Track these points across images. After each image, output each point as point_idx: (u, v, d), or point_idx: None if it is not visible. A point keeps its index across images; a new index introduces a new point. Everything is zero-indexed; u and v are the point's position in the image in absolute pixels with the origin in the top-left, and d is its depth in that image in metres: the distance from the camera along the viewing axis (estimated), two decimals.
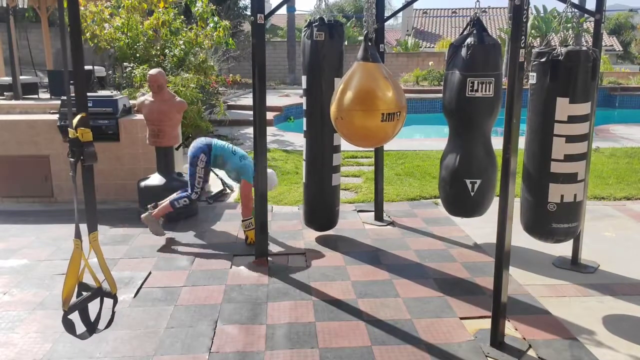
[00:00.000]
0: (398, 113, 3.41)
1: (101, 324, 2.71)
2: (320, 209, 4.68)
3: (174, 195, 4.80)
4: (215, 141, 4.83)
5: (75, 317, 2.60)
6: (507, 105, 2.87)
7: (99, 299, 2.66)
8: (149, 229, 4.73)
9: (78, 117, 2.44)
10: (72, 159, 2.46)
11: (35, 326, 3.31)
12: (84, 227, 2.52)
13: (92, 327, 2.66)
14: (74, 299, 2.56)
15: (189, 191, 4.74)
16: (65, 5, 2.42)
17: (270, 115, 11.95)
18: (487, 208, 4.46)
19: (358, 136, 3.58)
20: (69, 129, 2.46)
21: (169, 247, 4.65)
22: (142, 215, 4.74)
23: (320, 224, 4.80)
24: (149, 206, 4.81)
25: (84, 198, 2.52)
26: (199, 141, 4.79)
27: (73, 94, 2.51)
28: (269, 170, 4.80)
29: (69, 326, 2.55)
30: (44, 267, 4.20)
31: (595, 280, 3.97)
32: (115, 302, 2.73)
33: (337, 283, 3.93)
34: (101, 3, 10.51)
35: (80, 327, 2.64)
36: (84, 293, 2.61)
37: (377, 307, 3.55)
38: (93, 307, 2.68)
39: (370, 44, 3.51)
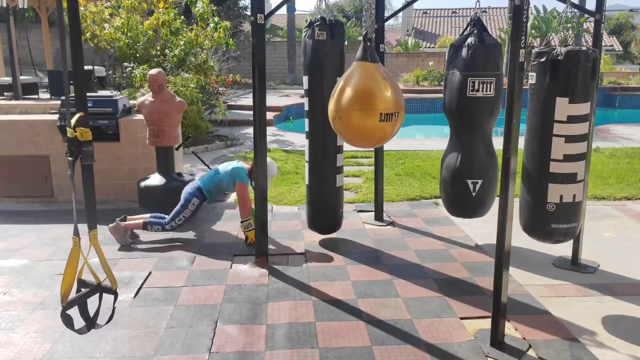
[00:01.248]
0: (396, 113, 3.41)
1: (101, 320, 2.71)
2: (324, 211, 4.63)
3: (150, 218, 4.75)
4: (201, 180, 4.84)
5: (75, 313, 2.60)
6: (507, 105, 2.87)
7: (98, 295, 2.67)
8: (116, 239, 4.66)
9: (76, 116, 2.45)
10: (70, 158, 2.47)
11: (35, 326, 3.31)
12: (82, 226, 2.52)
13: (91, 322, 2.67)
14: (72, 295, 2.57)
15: (166, 222, 4.72)
16: (65, 5, 2.42)
17: (270, 115, 11.95)
18: (489, 208, 4.45)
19: (356, 136, 3.57)
20: (67, 128, 2.46)
21: (169, 247, 4.65)
22: (110, 226, 4.65)
23: (323, 227, 4.74)
24: (117, 219, 4.71)
25: (83, 197, 2.53)
26: (191, 186, 4.81)
27: (72, 94, 2.51)
28: (268, 160, 4.80)
29: (67, 321, 2.57)
30: (44, 267, 4.20)
31: (595, 280, 3.97)
32: (116, 297, 2.74)
33: (337, 283, 3.93)
34: (101, 3, 10.52)
35: (79, 323, 2.65)
36: (83, 289, 2.62)
37: (377, 307, 3.55)
38: (93, 304, 2.68)
39: (369, 44, 3.51)
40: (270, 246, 4.57)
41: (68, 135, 2.45)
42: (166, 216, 4.78)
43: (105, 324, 2.74)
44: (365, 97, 3.38)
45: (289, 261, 4.36)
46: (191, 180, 5.06)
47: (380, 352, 3.02)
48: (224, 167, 4.86)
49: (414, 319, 3.39)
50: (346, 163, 7.95)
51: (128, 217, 4.78)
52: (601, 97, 16.26)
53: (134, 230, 4.79)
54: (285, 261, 4.35)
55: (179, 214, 4.73)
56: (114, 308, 2.76)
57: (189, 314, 3.46)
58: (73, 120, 2.44)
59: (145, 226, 4.71)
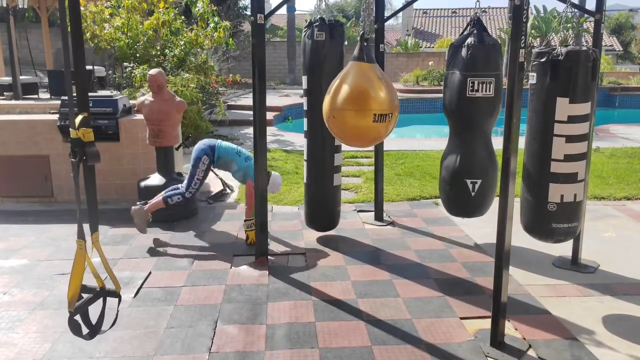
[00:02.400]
0: (390, 114, 3.42)
1: (105, 324, 2.68)
2: (322, 209, 4.66)
3: (167, 192, 4.78)
4: (219, 142, 4.84)
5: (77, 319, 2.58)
6: (507, 105, 2.87)
7: (101, 299, 2.65)
8: (135, 222, 4.64)
9: (80, 117, 2.43)
10: (73, 159, 2.46)
11: (35, 326, 3.31)
12: (85, 228, 2.52)
13: (94, 329, 2.65)
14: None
15: (184, 189, 4.74)
16: (66, 4, 2.42)
17: (270, 115, 11.95)
18: (488, 208, 4.46)
19: (349, 135, 3.58)
20: (70, 129, 2.45)
21: (169, 247, 4.65)
22: (133, 208, 4.67)
23: (321, 225, 4.78)
24: (138, 203, 4.77)
25: (85, 198, 2.52)
26: (203, 142, 4.80)
27: (74, 94, 2.50)
28: (275, 174, 4.83)
29: (75, 327, 2.53)
30: (44, 267, 4.20)
31: (595, 280, 3.97)
32: (120, 300, 2.72)
33: (337, 283, 3.93)
34: (101, 3, 10.51)
35: (84, 329, 2.63)
36: (84, 295, 2.59)
37: (377, 307, 3.55)
38: (94, 309, 2.66)
39: (365, 44, 3.51)
40: (270, 246, 4.58)
41: (71, 135, 2.44)
42: (180, 185, 4.78)
43: (110, 327, 2.71)
44: (360, 97, 3.38)
45: (289, 261, 4.36)
46: None
47: (380, 352, 3.02)
48: (247, 154, 4.82)
49: (414, 319, 3.39)
50: (346, 163, 7.96)
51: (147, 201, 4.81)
52: (601, 97, 16.26)
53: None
54: (285, 261, 4.35)
55: (192, 177, 4.71)
56: (117, 311, 2.74)
57: (189, 314, 3.46)
58: (77, 121, 2.43)
59: (166, 201, 4.71)
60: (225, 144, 4.85)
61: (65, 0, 2.41)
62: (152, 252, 4.53)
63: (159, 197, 4.77)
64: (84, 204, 2.51)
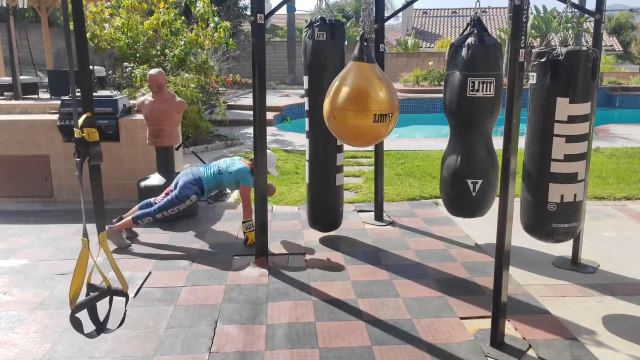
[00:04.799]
0: (390, 114, 3.42)
1: (112, 324, 2.68)
2: (325, 209, 4.65)
3: (137, 212, 4.75)
4: (203, 172, 4.82)
5: (84, 316, 2.57)
6: (507, 105, 2.87)
7: (108, 298, 2.64)
8: (113, 243, 4.58)
9: (84, 117, 2.44)
10: (78, 159, 2.46)
11: (35, 326, 3.31)
12: (91, 227, 2.51)
13: (101, 327, 2.65)
14: (81, 298, 2.53)
15: (156, 211, 4.70)
16: (68, 1, 2.42)
17: (270, 115, 11.96)
18: (489, 208, 4.46)
19: (350, 135, 3.59)
20: (74, 128, 2.45)
21: (169, 247, 4.65)
22: (106, 228, 4.56)
23: (324, 225, 4.77)
24: (114, 220, 4.72)
25: (90, 198, 2.51)
26: (191, 176, 4.78)
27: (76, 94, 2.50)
28: (269, 152, 4.78)
29: (77, 325, 2.52)
30: (44, 267, 4.20)
31: (595, 280, 3.97)
32: (127, 300, 2.71)
33: (337, 283, 3.93)
34: (101, 3, 10.52)
35: (89, 327, 2.62)
36: (92, 294, 2.59)
37: (377, 307, 3.55)
38: (102, 307, 2.66)
39: (365, 44, 3.51)
40: (270, 246, 4.57)
41: (75, 135, 2.44)
42: (153, 202, 4.78)
43: (117, 327, 2.70)
44: (360, 97, 3.38)
45: (289, 261, 4.36)
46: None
47: (380, 352, 3.02)
48: (225, 166, 4.84)
49: (414, 319, 3.39)
50: (346, 163, 7.94)
51: (123, 215, 4.79)
52: (601, 97, 16.26)
53: (133, 229, 4.79)
54: (285, 261, 4.35)
55: (172, 205, 4.72)
56: (125, 311, 2.72)
57: (189, 314, 3.46)
58: (80, 121, 2.43)
59: (135, 221, 4.69)
60: (207, 173, 4.82)
61: (68, 1, 2.41)
62: (152, 252, 4.53)
63: (129, 217, 4.73)
64: (87, 203, 2.51)
